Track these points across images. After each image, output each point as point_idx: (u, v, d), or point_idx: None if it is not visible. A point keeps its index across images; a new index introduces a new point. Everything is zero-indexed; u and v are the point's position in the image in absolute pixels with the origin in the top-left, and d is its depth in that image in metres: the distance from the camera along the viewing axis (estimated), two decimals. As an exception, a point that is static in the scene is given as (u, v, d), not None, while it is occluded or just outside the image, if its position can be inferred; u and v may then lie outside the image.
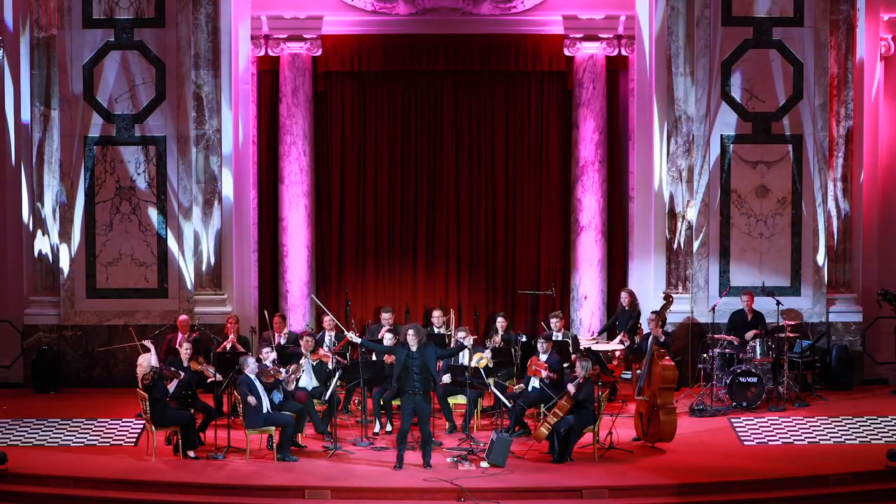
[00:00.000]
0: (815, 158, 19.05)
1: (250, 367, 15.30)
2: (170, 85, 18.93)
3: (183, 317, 17.89)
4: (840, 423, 16.72)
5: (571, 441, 15.11)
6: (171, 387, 15.60)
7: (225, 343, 17.39)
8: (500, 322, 17.76)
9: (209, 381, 16.21)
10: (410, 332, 14.97)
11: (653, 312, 16.78)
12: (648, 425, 15.71)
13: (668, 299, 16.67)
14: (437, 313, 17.95)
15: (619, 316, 18.85)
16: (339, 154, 20.52)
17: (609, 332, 19.20)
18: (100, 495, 14.26)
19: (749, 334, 17.69)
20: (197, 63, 18.85)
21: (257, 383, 15.25)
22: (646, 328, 17.14)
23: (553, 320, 17.54)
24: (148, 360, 15.58)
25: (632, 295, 18.76)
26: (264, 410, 15.12)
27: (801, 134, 19.06)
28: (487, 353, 16.59)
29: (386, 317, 17.79)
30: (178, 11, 18.81)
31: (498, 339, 17.51)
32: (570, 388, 15.15)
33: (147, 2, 18.85)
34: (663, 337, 15.88)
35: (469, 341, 16.66)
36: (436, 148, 20.53)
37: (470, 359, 16.50)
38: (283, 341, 17.42)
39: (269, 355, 15.77)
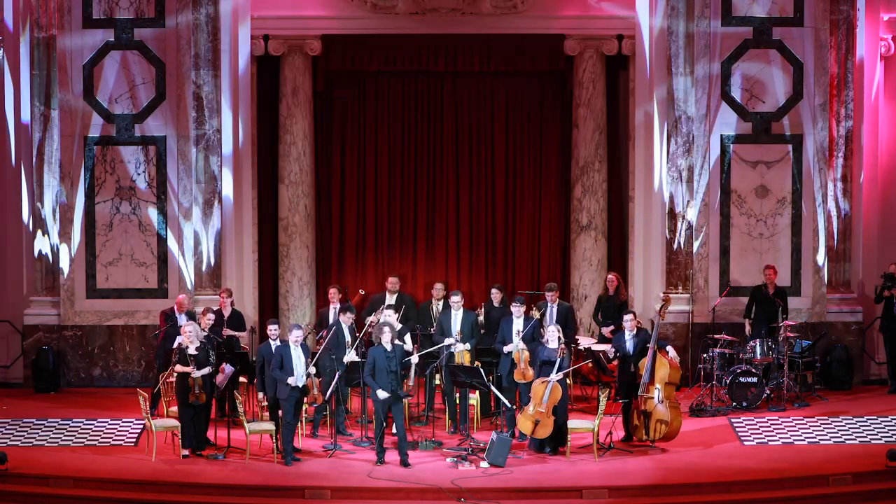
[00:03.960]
0: (815, 158, 19.06)
1: (294, 335, 15.29)
2: (170, 85, 18.93)
3: (181, 296, 17.76)
4: (840, 423, 16.72)
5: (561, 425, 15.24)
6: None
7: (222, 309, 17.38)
8: (495, 294, 17.62)
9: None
10: (385, 329, 15.15)
11: (628, 313, 16.38)
12: (649, 423, 15.67)
13: (667, 301, 16.68)
14: (438, 285, 17.92)
15: (603, 302, 18.69)
16: (339, 154, 20.52)
17: (595, 319, 19.03)
18: (100, 495, 14.26)
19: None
20: (197, 63, 18.86)
21: (294, 353, 15.21)
22: (627, 327, 16.59)
23: (548, 293, 17.40)
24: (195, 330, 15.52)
25: (619, 279, 18.65)
26: (300, 382, 15.14)
27: (801, 134, 19.07)
28: (464, 346, 16.48)
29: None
30: (178, 12, 18.81)
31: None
32: (540, 381, 15.24)
33: (147, 2, 18.86)
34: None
35: (454, 340, 16.55)
36: (436, 148, 20.53)
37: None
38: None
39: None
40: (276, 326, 15.78)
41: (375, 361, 14.98)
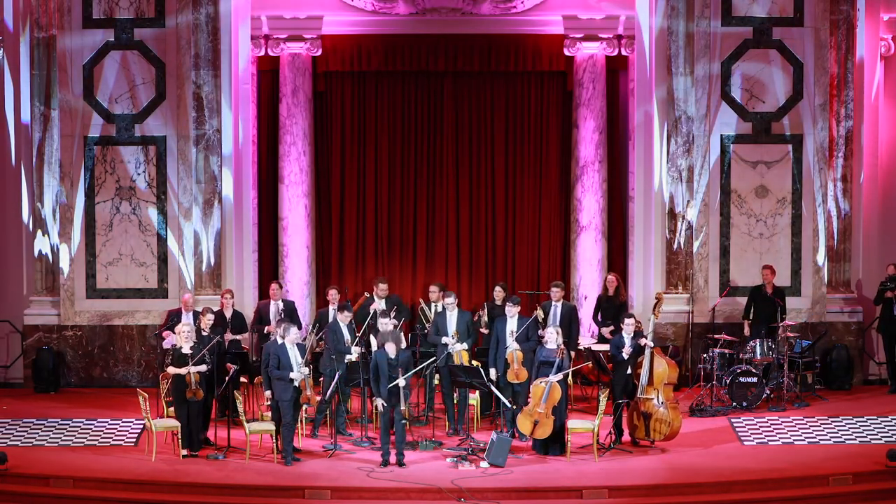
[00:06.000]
0: (815, 158, 19.06)
1: (291, 335, 15.28)
2: (170, 85, 18.94)
3: (186, 295, 17.71)
4: (840, 423, 16.72)
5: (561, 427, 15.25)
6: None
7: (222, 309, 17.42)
8: (498, 292, 17.63)
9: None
10: (389, 339, 15.26)
11: (629, 316, 16.28)
12: (650, 424, 15.66)
13: (660, 299, 16.66)
14: (434, 287, 17.96)
15: (603, 303, 18.67)
16: (339, 154, 20.53)
17: (594, 319, 18.99)
18: (100, 495, 14.26)
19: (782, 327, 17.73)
20: (197, 63, 18.86)
21: (291, 352, 15.21)
22: (626, 330, 16.45)
23: (554, 289, 17.41)
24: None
25: (619, 280, 18.62)
26: (296, 381, 15.09)
27: (801, 134, 19.07)
28: (461, 346, 16.45)
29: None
30: (178, 12, 18.82)
31: (484, 326, 17.38)
32: (540, 381, 15.24)
33: (147, 2, 18.87)
34: (652, 344, 15.66)
35: (453, 341, 16.51)
36: (436, 148, 20.53)
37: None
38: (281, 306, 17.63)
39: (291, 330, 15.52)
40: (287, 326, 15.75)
41: (378, 366, 15.02)
